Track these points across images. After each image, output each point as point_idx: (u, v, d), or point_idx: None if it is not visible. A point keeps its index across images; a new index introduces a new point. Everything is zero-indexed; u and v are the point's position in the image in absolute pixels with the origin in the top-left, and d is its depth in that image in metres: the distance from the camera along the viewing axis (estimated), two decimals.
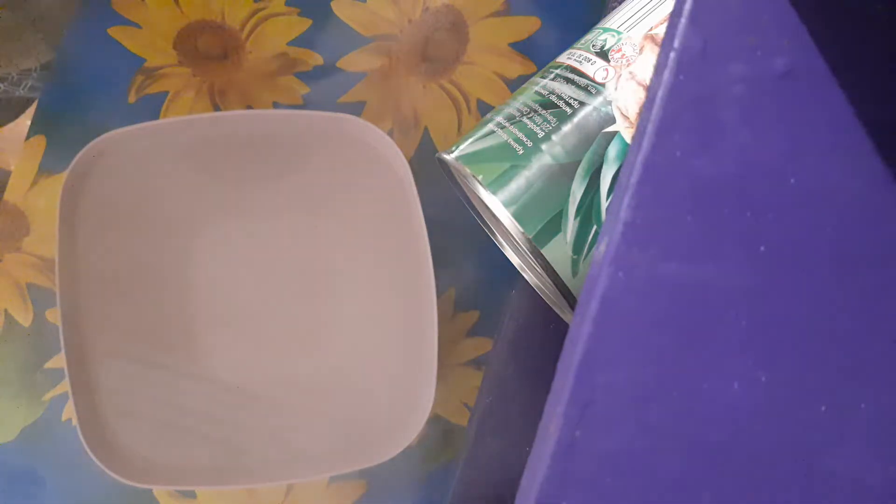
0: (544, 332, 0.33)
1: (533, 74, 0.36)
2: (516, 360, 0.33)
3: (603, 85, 0.25)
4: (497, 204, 0.25)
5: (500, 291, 0.35)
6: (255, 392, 0.34)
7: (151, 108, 0.35)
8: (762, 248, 0.17)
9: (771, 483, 0.17)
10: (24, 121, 0.35)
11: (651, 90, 0.17)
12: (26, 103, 0.29)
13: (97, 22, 0.35)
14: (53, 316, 0.35)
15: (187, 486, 0.31)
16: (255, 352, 0.35)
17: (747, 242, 0.17)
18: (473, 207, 0.31)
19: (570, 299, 0.25)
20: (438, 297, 0.35)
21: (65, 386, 0.35)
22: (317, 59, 0.36)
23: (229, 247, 0.35)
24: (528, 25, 0.36)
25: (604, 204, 0.24)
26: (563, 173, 0.24)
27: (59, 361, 0.35)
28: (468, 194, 0.29)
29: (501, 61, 0.36)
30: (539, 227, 0.24)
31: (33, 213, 0.35)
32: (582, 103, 0.25)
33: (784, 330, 0.17)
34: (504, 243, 0.31)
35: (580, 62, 0.26)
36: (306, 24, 0.36)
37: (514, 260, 0.32)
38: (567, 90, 0.25)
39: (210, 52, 0.35)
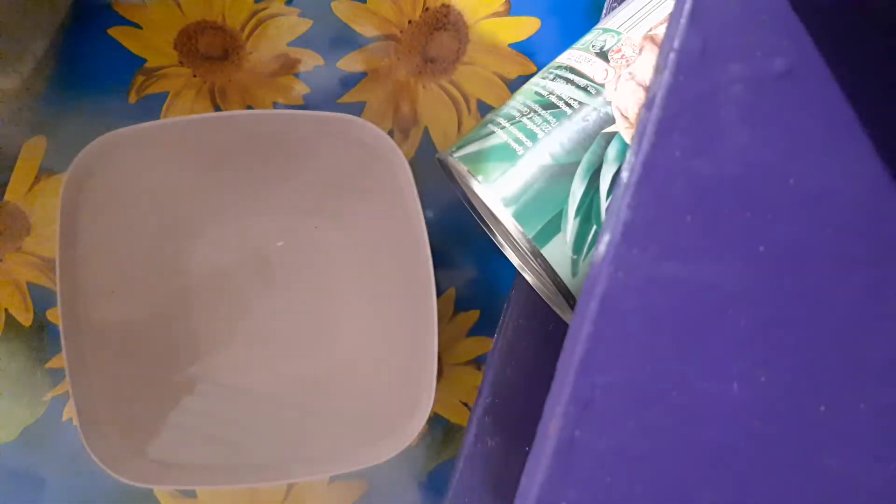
0: (544, 332, 0.33)
1: (533, 75, 0.36)
2: (516, 360, 0.33)
3: (602, 85, 0.25)
4: (497, 204, 0.25)
5: (500, 291, 0.35)
6: (255, 392, 0.34)
7: (152, 108, 0.35)
8: (762, 248, 0.17)
9: (770, 483, 0.17)
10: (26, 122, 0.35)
11: (651, 90, 0.17)
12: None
13: (97, 22, 0.35)
14: (54, 316, 0.35)
15: (188, 485, 0.31)
16: (255, 352, 0.35)
17: (747, 242, 0.17)
18: (473, 207, 0.31)
19: (570, 299, 0.25)
20: (438, 297, 0.35)
21: (65, 386, 0.35)
22: (317, 59, 0.36)
23: (230, 247, 0.35)
24: (528, 25, 0.36)
25: (604, 204, 0.24)
26: (562, 173, 0.24)
27: (59, 361, 0.35)
28: (468, 194, 0.29)
29: (501, 61, 0.36)
30: (539, 227, 0.24)
31: (34, 213, 0.35)
32: (581, 103, 0.25)
33: (784, 330, 0.17)
34: (504, 243, 0.31)
35: (580, 63, 0.26)
36: (307, 24, 0.36)
37: (514, 260, 0.32)
38: (567, 90, 0.25)
39: (210, 52, 0.35)
